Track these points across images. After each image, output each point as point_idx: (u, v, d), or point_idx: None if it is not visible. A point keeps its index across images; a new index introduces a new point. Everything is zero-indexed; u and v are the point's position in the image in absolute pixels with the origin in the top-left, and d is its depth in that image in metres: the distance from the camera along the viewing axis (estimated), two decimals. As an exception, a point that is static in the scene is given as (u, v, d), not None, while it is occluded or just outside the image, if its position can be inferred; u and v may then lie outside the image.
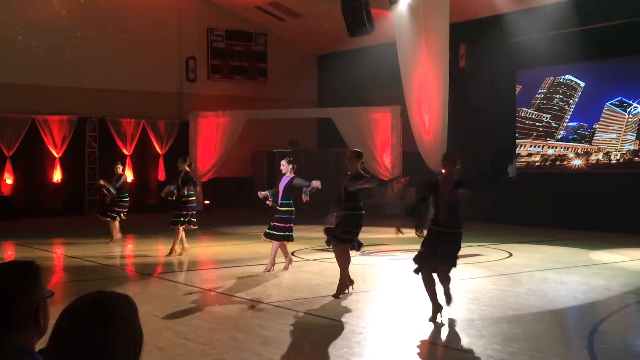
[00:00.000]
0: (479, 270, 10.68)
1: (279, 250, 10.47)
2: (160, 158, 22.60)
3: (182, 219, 12.61)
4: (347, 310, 7.85)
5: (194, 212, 12.91)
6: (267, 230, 10.33)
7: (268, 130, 23.39)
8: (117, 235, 14.43)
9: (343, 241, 8.58)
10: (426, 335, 6.76)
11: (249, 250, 13.36)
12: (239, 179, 23.80)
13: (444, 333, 6.89)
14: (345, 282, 8.65)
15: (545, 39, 17.32)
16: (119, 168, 14.84)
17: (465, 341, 6.49)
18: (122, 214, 14.47)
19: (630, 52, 16.68)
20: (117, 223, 14.41)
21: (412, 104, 19.56)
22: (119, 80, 21.51)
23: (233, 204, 22.90)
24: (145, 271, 11.16)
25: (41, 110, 20.48)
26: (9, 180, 20.30)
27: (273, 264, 10.50)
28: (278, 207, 10.31)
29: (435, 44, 18.86)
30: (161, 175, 22.59)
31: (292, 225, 10.30)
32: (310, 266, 11.30)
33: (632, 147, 16.79)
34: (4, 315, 2.15)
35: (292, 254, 12.50)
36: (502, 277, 10.06)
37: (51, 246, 14.46)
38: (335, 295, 8.43)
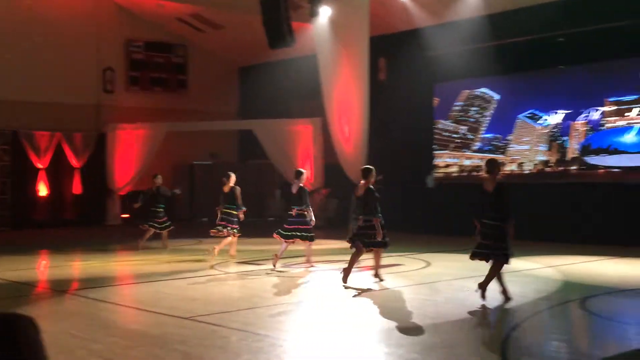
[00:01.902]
0: (398, 280, 10.82)
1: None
2: (77, 171, 22.04)
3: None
4: (269, 323, 7.81)
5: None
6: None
7: (188, 142, 23.17)
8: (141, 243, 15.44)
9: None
10: (345, 347, 6.79)
11: (168, 264, 13.15)
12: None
13: (363, 344, 6.94)
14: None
15: (461, 53, 17.76)
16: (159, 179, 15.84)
17: (385, 351, 6.54)
18: (155, 225, 15.44)
19: (541, 66, 17.29)
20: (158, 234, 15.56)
21: (332, 116, 19.74)
22: (34, 91, 20.92)
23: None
24: (60, 287, 10.82)
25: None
26: None
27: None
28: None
29: (356, 57, 19.11)
30: (77, 188, 22.03)
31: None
32: (232, 279, 11.21)
33: (543, 158, 17.38)
34: None
35: (213, 267, 12.42)
36: (421, 287, 10.21)
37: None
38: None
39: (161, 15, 22.76)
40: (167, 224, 15.62)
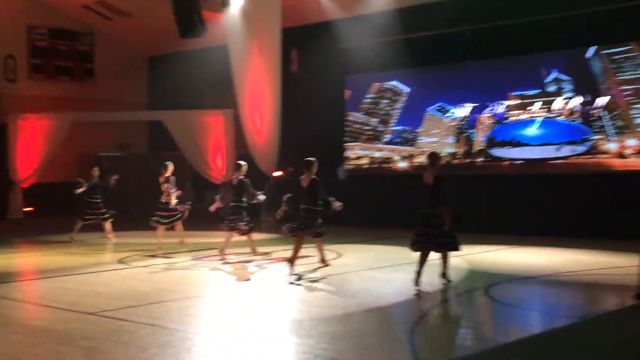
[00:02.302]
0: (310, 271, 10.86)
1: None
2: (-24, 163, 21.15)
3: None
4: (177, 317, 7.68)
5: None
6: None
7: (96, 132, 22.53)
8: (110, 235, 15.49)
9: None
10: (255, 339, 6.76)
11: (73, 258, 12.77)
12: (65, 184, 22.77)
13: (274, 336, 6.92)
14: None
15: (372, 46, 17.95)
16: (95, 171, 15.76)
17: (295, 341, 6.55)
18: (91, 217, 15.46)
19: (449, 61, 17.68)
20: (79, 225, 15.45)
21: (244, 108, 19.62)
22: None
23: (58, 211, 21.88)
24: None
25: None
26: None
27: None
28: None
29: (267, 48, 19.03)
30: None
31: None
32: (139, 273, 10.98)
33: (451, 150, 17.79)
34: None
35: (120, 261, 12.14)
36: (331, 278, 10.28)
37: None
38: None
39: (66, 2, 22.03)
40: (107, 215, 15.58)
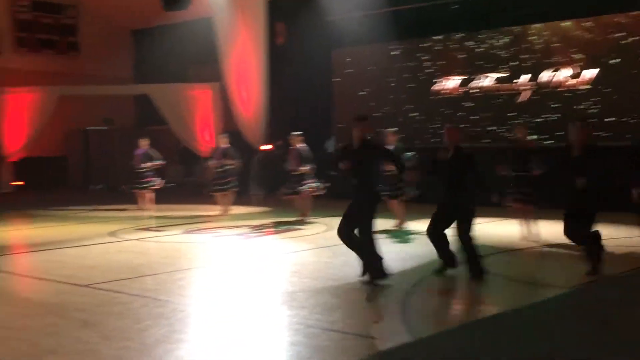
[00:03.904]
0: (301, 243, 10.95)
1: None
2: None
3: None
4: (170, 289, 7.76)
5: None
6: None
7: (82, 107, 22.43)
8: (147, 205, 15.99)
9: None
10: (248, 310, 6.85)
11: (65, 232, 12.81)
12: (52, 159, 22.77)
13: (266, 307, 7.01)
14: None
15: (360, 18, 17.92)
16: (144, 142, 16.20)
17: (288, 313, 6.64)
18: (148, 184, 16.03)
19: (435, 33, 17.70)
20: (146, 195, 16.06)
21: (231, 81, 19.54)
22: None
23: (46, 185, 21.88)
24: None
25: None
26: None
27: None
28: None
29: (252, 21, 18.93)
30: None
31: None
32: (132, 246, 11.04)
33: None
34: None
35: (111, 234, 12.20)
36: (322, 250, 10.37)
37: None
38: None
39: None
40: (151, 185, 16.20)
